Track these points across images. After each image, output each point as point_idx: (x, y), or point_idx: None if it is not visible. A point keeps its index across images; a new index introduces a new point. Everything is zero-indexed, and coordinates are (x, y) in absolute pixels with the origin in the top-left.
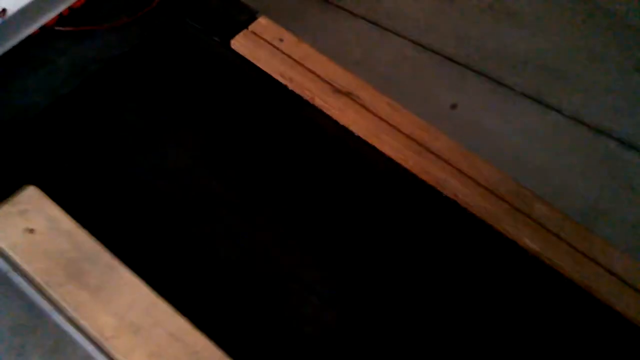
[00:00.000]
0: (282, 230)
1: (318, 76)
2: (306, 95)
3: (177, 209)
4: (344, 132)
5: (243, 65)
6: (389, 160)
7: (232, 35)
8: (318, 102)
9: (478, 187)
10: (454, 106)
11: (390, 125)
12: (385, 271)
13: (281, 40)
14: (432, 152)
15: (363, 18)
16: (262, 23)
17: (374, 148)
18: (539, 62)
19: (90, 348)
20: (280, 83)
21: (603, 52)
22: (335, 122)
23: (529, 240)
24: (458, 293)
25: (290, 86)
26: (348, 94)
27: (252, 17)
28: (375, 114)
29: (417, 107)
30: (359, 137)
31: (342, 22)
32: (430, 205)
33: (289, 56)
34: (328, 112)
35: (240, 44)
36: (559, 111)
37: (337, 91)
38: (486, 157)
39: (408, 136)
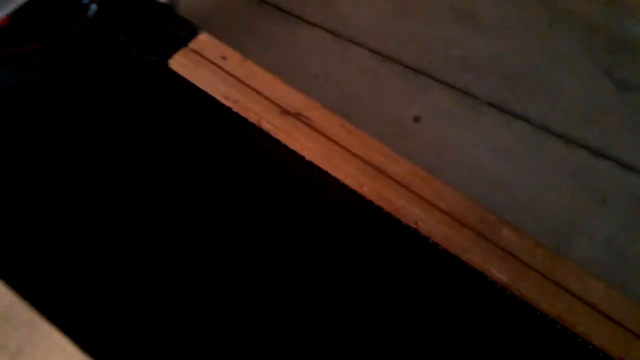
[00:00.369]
0: (226, 271)
1: (264, 96)
2: (252, 118)
3: (111, 253)
4: (294, 158)
5: (183, 87)
6: (343, 186)
7: (171, 55)
8: (265, 125)
9: (440, 213)
10: (417, 119)
11: (344, 148)
12: (340, 314)
13: (224, 58)
14: (390, 177)
15: (320, 27)
16: (203, 40)
17: (326, 174)
18: (505, 69)
19: None
20: (224, 105)
21: (570, 56)
22: (284, 147)
23: (497, 271)
24: (422, 330)
25: (235, 108)
26: (297, 115)
27: (192, 33)
28: (327, 137)
29: (379, 121)
30: (310, 163)
31: (298, 32)
32: (388, 235)
33: (233, 75)
34: (276, 136)
35: (179, 63)
36: (526, 120)
37: (286, 112)
38: (451, 172)
39: (363, 160)
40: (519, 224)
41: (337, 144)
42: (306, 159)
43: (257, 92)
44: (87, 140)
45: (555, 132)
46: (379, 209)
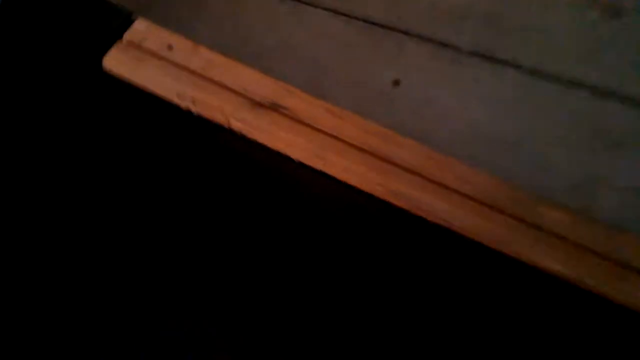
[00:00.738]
0: (219, 305)
1: (229, 89)
2: (218, 118)
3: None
4: (278, 159)
5: (124, 91)
6: (345, 186)
7: (104, 52)
8: (236, 124)
9: (469, 201)
10: (396, 82)
11: (336, 138)
12: (373, 345)
13: (171, 47)
14: (399, 165)
15: None
16: (141, 28)
17: (321, 173)
18: (484, 13)
19: None
20: (179, 107)
21: None
22: (264, 148)
23: (550, 261)
24: (483, 348)
25: (194, 109)
26: (273, 106)
27: (127, 21)
28: (313, 127)
29: (354, 91)
30: (298, 163)
31: (244, 2)
32: (412, 240)
33: (186, 68)
34: (252, 136)
35: (115, 61)
36: (517, 67)
37: (259, 105)
38: (446, 138)
39: (362, 149)
40: (535, 187)
41: (327, 134)
42: (293, 158)
43: (219, 84)
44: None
45: (551, 76)
46: (394, 207)
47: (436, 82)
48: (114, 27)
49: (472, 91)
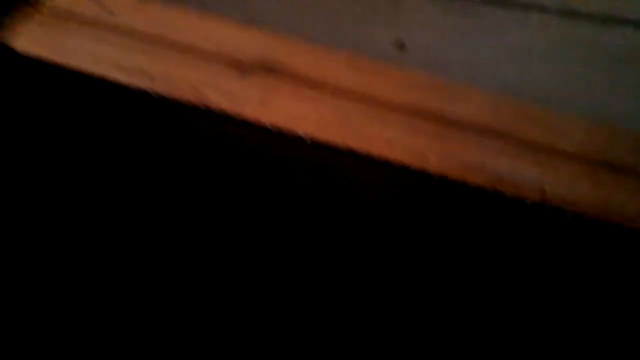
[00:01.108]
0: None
1: (201, 51)
2: (191, 95)
3: None
4: (285, 141)
5: (53, 79)
6: (387, 167)
7: (10, 27)
8: (217, 99)
9: (572, 163)
10: (401, 45)
11: (367, 99)
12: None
13: (106, 7)
14: (462, 126)
15: None
16: None
17: (350, 153)
18: None
19: None
20: (136, 90)
21: None
22: (263, 129)
23: None
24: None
25: (156, 88)
26: (270, 69)
27: None
28: (332, 89)
29: None
30: (314, 142)
31: None
32: (495, 227)
33: (133, 32)
34: (244, 114)
35: (32, 39)
36: (542, 9)
37: (250, 69)
38: None
39: (407, 109)
40: None
41: (353, 95)
42: (306, 137)
43: (184, 47)
44: None
45: (584, 14)
46: (465, 188)
47: (449, 39)
48: None
49: (495, 45)
